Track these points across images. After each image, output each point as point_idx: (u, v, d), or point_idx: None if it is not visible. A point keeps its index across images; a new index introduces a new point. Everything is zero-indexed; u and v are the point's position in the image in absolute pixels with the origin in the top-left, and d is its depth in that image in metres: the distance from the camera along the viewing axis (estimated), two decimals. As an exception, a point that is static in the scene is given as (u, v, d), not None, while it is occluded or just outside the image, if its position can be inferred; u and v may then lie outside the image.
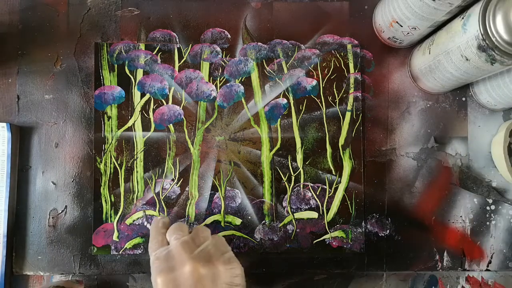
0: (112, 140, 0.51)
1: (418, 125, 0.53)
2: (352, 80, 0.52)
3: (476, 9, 0.39)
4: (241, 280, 0.37)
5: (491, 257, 0.52)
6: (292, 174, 0.52)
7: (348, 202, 0.52)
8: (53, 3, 0.52)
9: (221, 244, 0.39)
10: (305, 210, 0.51)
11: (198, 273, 0.35)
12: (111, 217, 0.50)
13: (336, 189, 0.52)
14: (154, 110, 0.52)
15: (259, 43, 0.53)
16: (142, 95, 0.52)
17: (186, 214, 0.51)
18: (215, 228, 0.51)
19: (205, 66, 0.52)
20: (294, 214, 0.51)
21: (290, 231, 0.51)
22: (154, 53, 0.52)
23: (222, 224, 0.51)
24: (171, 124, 0.52)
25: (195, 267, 0.35)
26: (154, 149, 0.51)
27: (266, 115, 0.52)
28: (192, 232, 0.40)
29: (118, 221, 0.50)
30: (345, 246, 0.51)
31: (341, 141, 0.52)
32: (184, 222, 0.51)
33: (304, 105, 0.52)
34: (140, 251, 0.50)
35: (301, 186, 0.52)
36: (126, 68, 0.52)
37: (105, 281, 0.51)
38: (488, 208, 0.52)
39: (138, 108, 0.52)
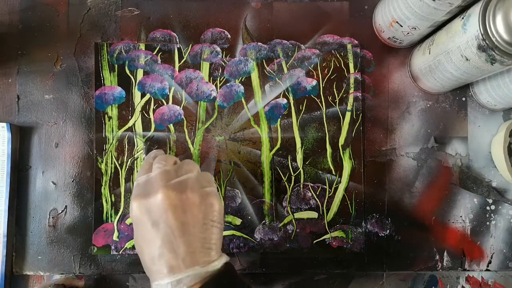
0: (112, 140, 0.51)
1: (418, 125, 0.53)
2: (352, 80, 0.52)
3: (476, 9, 0.39)
4: (218, 217, 0.36)
5: (491, 257, 0.52)
6: (292, 174, 0.52)
7: (348, 202, 0.52)
8: (53, 3, 0.52)
9: (204, 179, 0.38)
10: (305, 210, 0.51)
11: (170, 201, 0.34)
12: (111, 217, 0.50)
13: (336, 189, 0.52)
14: (154, 110, 0.52)
15: (259, 43, 0.53)
16: (143, 95, 0.52)
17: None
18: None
19: (205, 66, 0.52)
20: (294, 214, 0.51)
21: (290, 231, 0.51)
22: (154, 53, 0.52)
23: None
24: (171, 124, 0.52)
25: (167, 195, 0.34)
26: (154, 149, 0.51)
27: (266, 115, 0.52)
28: (177, 164, 0.39)
29: (118, 221, 0.50)
30: (345, 246, 0.51)
31: (341, 141, 0.52)
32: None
33: (304, 105, 0.52)
34: (140, 251, 0.50)
35: (301, 186, 0.52)
36: (126, 68, 0.52)
37: (105, 281, 0.51)
38: (488, 208, 0.52)
39: (138, 108, 0.52)
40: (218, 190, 0.51)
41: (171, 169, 0.37)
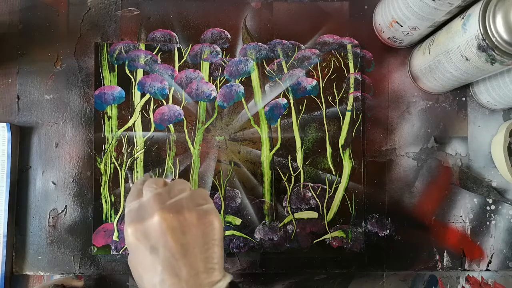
0: (112, 140, 0.51)
1: (418, 125, 0.53)
2: (352, 80, 0.52)
3: (476, 9, 0.39)
4: (218, 235, 0.35)
5: (491, 257, 0.52)
6: (292, 174, 0.52)
7: (348, 202, 0.52)
8: (53, 3, 0.52)
9: (199, 197, 0.36)
10: (305, 210, 0.51)
11: (167, 224, 0.33)
12: (111, 217, 0.50)
13: (336, 189, 0.52)
14: (154, 110, 0.52)
15: (259, 43, 0.53)
16: (142, 95, 0.52)
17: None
18: (215, 228, 0.51)
19: (205, 66, 0.52)
20: (294, 214, 0.51)
21: (290, 231, 0.51)
22: (154, 53, 0.52)
23: (222, 224, 0.51)
24: (171, 124, 0.52)
25: (163, 217, 0.33)
26: (155, 149, 0.51)
27: (266, 115, 0.52)
28: (169, 185, 0.37)
29: (118, 221, 0.50)
30: (345, 246, 0.51)
31: (341, 141, 0.52)
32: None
33: (304, 105, 0.52)
34: (140, 251, 0.50)
35: (301, 186, 0.52)
36: (126, 68, 0.52)
37: (105, 281, 0.51)
38: (488, 208, 0.52)
39: (138, 108, 0.52)
40: (221, 194, 0.51)
41: (163, 191, 0.36)
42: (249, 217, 0.51)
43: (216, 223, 0.36)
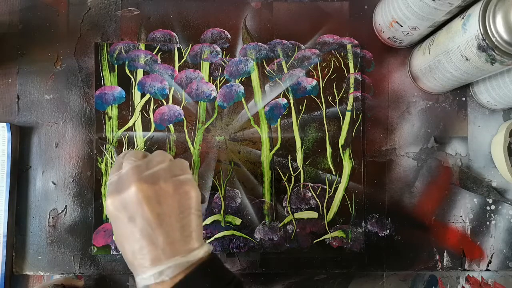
0: (113, 140, 0.51)
1: (418, 125, 0.53)
2: (352, 80, 0.52)
3: (476, 9, 0.39)
4: (194, 204, 0.36)
5: (491, 257, 0.52)
6: (292, 174, 0.52)
7: (348, 202, 0.52)
8: (53, 3, 0.52)
9: (177, 168, 0.37)
10: (305, 210, 0.51)
11: (143, 194, 0.34)
12: (111, 217, 0.50)
13: (336, 189, 0.52)
14: (154, 110, 0.52)
15: (259, 43, 0.53)
16: (142, 95, 0.52)
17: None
18: (215, 228, 0.51)
19: (205, 66, 0.52)
20: (294, 214, 0.51)
21: (290, 231, 0.51)
22: (154, 53, 0.52)
23: (222, 224, 0.51)
24: (171, 124, 0.52)
25: (140, 188, 0.34)
26: (155, 149, 0.51)
27: (266, 115, 0.52)
28: (148, 157, 0.38)
29: (118, 221, 0.50)
30: (345, 246, 0.51)
31: (341, 141, 0.52)
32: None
33: (304, 105, 0.52)
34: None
35: (301, 186, 0.52)
36: (126, 68, 0.52)
37: (105, 281, 0.51)
38: (488, 208, 0.52)
39: (138, 108, 0.52)
40: (221, 194, 0.51)
41: (142, 163, 0.36)
42: (249, 217, 0.51)
43: (193, 193, 0.36)
